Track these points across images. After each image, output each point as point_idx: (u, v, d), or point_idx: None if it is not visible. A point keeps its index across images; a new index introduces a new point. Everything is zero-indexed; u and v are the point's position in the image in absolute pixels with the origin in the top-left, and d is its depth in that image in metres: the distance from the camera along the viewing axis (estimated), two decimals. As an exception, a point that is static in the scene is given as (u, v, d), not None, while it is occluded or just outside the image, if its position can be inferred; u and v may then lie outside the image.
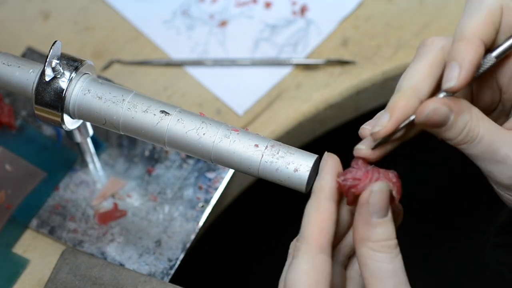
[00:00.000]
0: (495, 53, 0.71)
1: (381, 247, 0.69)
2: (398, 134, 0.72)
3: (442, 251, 1.18)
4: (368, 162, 0.72)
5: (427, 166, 1.27)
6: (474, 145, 0.71)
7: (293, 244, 0.71)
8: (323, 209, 0.69)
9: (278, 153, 0.76)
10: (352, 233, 0.72)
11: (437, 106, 0.70)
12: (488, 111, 0.76)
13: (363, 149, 0.72)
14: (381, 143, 0.72)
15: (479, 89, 0.76)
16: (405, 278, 0.69)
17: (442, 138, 0.72)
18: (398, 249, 0.69)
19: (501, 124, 0.74)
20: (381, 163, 0.76)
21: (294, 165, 0.75)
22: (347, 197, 0.71)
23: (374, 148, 0.72)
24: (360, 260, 0.69)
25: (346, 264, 0.74)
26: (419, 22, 1.06)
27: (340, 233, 0.73)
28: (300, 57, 1.05)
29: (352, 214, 0.72)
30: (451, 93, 0.71)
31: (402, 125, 0.71)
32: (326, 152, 0.73)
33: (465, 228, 1.19)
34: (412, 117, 0.71)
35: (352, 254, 0.74)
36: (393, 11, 1.07)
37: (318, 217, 0.69)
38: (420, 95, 0.71)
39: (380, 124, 0.71)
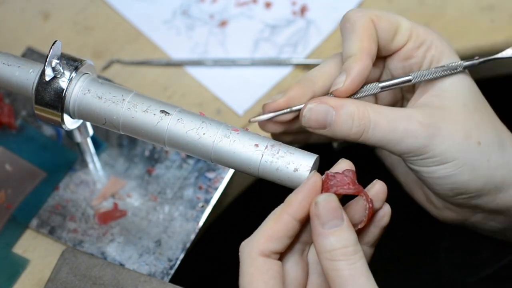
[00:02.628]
0: (382, 84, 0.79)
1: (338, 255, 0.70)
2: (286, 117, 0.81)
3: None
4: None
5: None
6: (372, 132, 0.76)
7: (242, 244, 0.73)
8: (281, 222, 0.72)
9: (278, 153, 0.76)
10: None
11: (313, 105, 0.77)
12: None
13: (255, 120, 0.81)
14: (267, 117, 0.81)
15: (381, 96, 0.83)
16: (367, 282, 0.69)
17: (340, 140, 0.80)
18: (358, 255, 0.70)
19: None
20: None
21: (294, 165, 0.75)
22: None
23: (258, 121, 0.81)
24: (324, 271, 0.71)
25: (304, 250, 0.76)
26: (419, 22, 1.05)
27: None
28: (300, 57, 1.05)
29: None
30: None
31: (286, 111, 0.79)
32: (314, 171, 0.75)
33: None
34: (298, 107, 0.79)
35: (310, 241, 0.75)
36: (393, 11, 1.07)
37: (272, 226, 0.71)
38: (315, 88, 0.80)
39: (272, 98, 0.80)
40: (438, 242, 0.94)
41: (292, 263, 0.74)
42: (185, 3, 1.08)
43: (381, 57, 0.82)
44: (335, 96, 0.77)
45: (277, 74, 1.04)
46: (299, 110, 0.79)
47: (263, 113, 0.81)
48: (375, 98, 0.84)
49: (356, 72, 0.77)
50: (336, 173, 0.73)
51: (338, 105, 0.76)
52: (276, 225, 0.71)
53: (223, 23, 1.07)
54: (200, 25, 1.07)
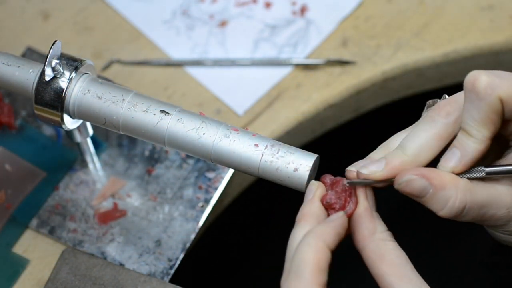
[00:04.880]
0: (488, 169, 0.72)
1: (388, 236, 0.70)
2: (380, 184, 0.73)
3: (437, 257, 1.18)
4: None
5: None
6: (461, 217, 0.72)
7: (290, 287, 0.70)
8: (321, 250, 0.69)
9: (278, 153, 0.76)
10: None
11: (412, 177, 0.71)
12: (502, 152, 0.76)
13: (353, 171, 0.74)
14: (361, 184, 0.73)
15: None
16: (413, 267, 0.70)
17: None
18: None
19: None
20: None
21: (294, 164, 0.75)
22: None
23: (351, 184, 0.73)
24: (374, 254, 0.69)
25: None
26: (419, 22, 1.06)
27: None
28: (300, 57, 1.05)
29: None
30: None
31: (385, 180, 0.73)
32: (313, 181, 0.74)
33: (463, 236, 1.19)
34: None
35: None
36: (393, 11, 1.07)
37: (315, 257, 0.69)
38: (420, 163, 0.72)
39: (370, 170, 0.73)
40: (480, 259, 0.92)
41: None
42: (185, 3, 1.08)
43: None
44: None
45: (277, 74, 1.04)
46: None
47: (358, 177, 0.74)
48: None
49: (469, 160, 0.71)
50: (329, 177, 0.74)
51: (439, 185, 0.71)
52: (318, 255, 0.69)
53: (223, 23, 1.07)
54: (200, 25, 1.07)
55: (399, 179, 0.71)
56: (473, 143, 0.71)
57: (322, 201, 0.73)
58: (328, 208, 0.73)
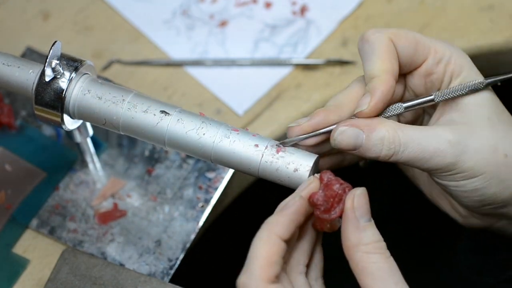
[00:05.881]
0: (406, 104, 0.78)
1: (374, 248, 0.71)
2: (312, 141, 0.77)
3: (421, 263, 1.18)
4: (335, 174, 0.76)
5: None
6: (402, 154, 0.76)
7: (240, 282, 0.71)
8: (272, 243, 0.71)
9: (278, 153, 0.76)
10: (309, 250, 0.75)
11: (345, 128, 0.75)
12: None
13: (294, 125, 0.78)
14: (291, 142, 0.77)
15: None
16: (401, 277, 0.71)
17: (371, 160, 0.78)
18: (388, 251, 0.71)
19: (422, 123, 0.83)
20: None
21: (294, 165, 0.75)
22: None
23: (284, 144, 0.77)
24: (357, 266, 0.71)
25: (306, 273, 0.75)
26: (419, 22, 1.06)
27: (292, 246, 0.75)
28: (300, 57, 1.05)
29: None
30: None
31: (313, 134, 0.77)
32: (310, 177, 0.75)
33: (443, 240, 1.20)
34: (325, 130, 0.77)
35: (309, 262, 0.75)
36: (393, 11, 1.07)
37: (266, 251, 0.70)
38: (342, 113, 0.78)
39: (297, 122, 0.78)
40: (456, 245, 0.94)
41: (301, 286, 0.74)
42: (185, 3, 1.08)
43: (402, 75, 0.81)
44: (359, 118, 0.77)
45: (277, 74, 1.04)
46: (326, 133, 0.77)
47: (288, 137, 0.78)
48: (397, 115, 0.83)
49: (380, 94, 0.76)
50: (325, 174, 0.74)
51: (369, 128, 0.75)
52: (270, 248, 0.71)
53: (223, 23, 1.07)
54: (200, 25, 1.07)
55: (333, 135, 0.75)
56: (376, 81, 0.76)
57: (310, 198, 0.73)
58: (314, 206, 0.73)
